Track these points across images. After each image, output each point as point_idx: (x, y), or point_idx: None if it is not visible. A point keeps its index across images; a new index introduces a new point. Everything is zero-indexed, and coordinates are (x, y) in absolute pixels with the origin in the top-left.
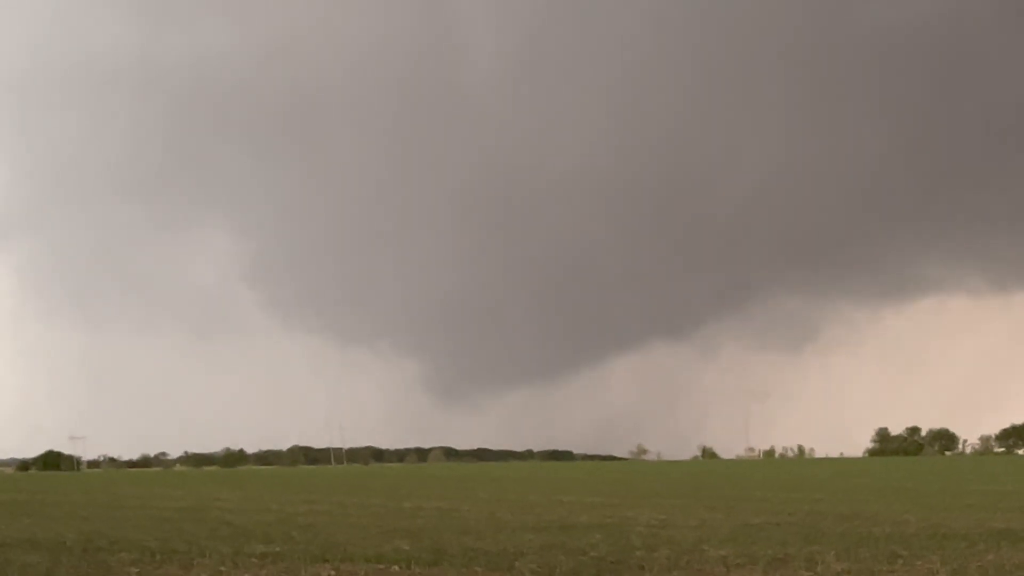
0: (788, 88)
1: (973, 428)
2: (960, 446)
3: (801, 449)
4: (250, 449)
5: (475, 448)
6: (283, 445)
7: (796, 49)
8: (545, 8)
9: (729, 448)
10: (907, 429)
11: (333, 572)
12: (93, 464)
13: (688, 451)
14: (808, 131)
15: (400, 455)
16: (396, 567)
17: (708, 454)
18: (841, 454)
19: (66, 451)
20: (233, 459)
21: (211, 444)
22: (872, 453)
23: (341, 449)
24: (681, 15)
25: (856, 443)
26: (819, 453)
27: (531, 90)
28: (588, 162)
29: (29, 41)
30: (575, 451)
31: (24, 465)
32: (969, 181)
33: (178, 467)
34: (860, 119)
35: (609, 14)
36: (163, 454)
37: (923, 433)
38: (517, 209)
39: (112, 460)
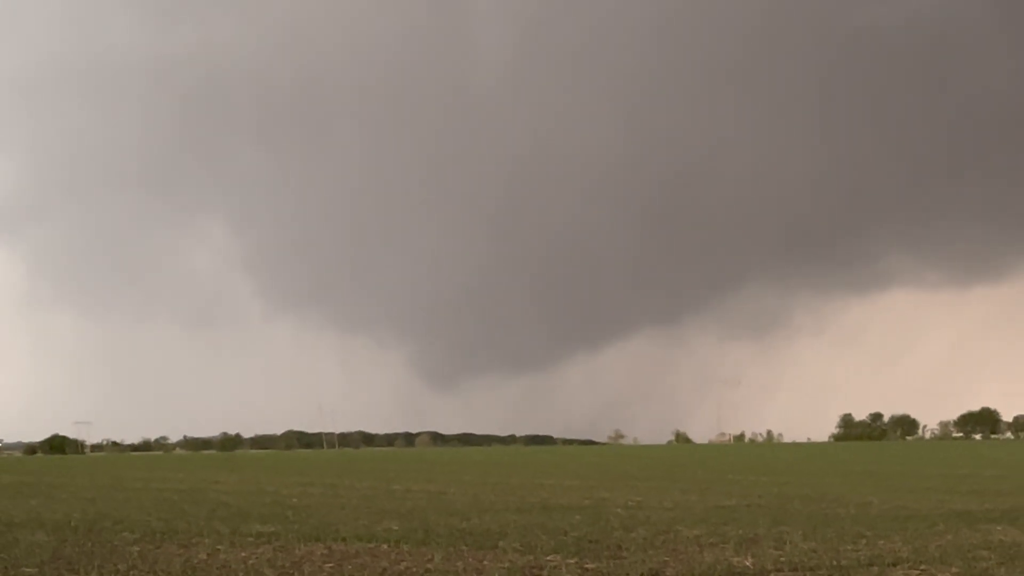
0: (771, 94)
1: (933, 415)
2: (920, 432)
3: (770, 434)
4: (246, 434)
5: (460, 433)
6: (278, 430)
7: (778, 55)
8: (549, 12)
9: (702, 433)
10: (870, 415)
11: (326, 551)
12: (97, 448)
13: (663, 436)
14: (788, 136)
15: (389, 440)
16: (386, 546)
17: (682, 439)
18: (808, 439)
19: (71, 435)
20: (230, 443)
21: (209, 429)
22: (837, 438)
23: (333, 434)
24: (676, 23)
25: (822, 429)
26: (787, 438)
27: (534, 90)
28: (586, 159)
29: (43, 38)
30: (555, 436)
31: (31, 449)
32: (932, 184)
33: (178, 451)
34: (837, 125)
35: (609, 22)
36: (164, 438)
37: (885, 419)
38: (509, 207)
39: (115, 444)
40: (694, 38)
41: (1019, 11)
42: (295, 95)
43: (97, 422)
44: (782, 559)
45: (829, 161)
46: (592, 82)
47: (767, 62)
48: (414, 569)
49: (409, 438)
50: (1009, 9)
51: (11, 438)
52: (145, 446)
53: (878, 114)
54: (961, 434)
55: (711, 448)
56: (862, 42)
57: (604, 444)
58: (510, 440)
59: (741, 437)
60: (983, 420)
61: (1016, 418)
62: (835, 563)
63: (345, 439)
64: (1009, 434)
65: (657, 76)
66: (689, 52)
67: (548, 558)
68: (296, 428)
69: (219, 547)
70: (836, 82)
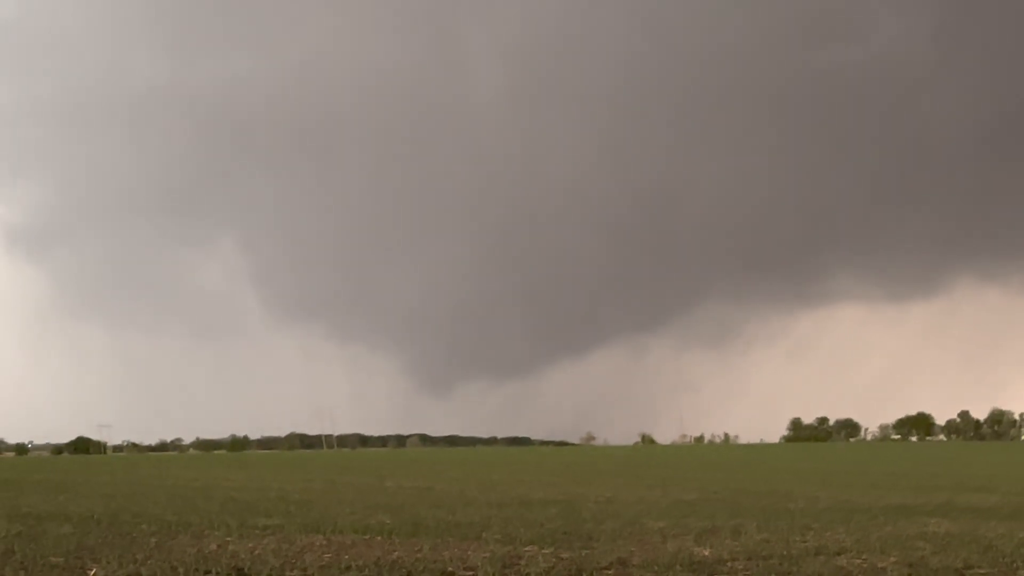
0: (735, 125)
1: (874, 418)
2: (863, 434)
3: (727, 436)
4: (253, 436)
5: (447, 435)
6: (282, 432)
7: (746, 90)
8: (535, 47)
9: (666, 435)
10: (817, 419)
11: (325, 542)
12: (118, 449)
13: (630, 438)
14: (750, 165)
15: (383, 441)
16: (379, 537)
17: (647, 440)
18: (761, 440)
19: (94, 437)
20: (238, 444)
21: (219, 431)
22: (787, 439)
23: (332, 436)
24: (649, 57)
25: (774, 431)
26: (742, 439)
27: (524, 119)
28: (569, 184)
29: (74, 72)
30: (533, 437)
31: (58, 449)
32: (877, 212)
33: (191, 451)
34: (794, 155)
35: (588, 56)
36: (178, 440)
37: (831, 422)
38: (497, 228)
39: (134, 445)
40: (666, 72)
41: (964, 53)
42: (303, 125)
43: (118, 425)
44: (738, 549)
45: (786, 188)
46: (577, 115)
47: (735, 96)
48: (405, 558)
49: (401, 439)
50: (955, 51)
51: (40, 440)
52: (161, 447)
53: (832, 147)
54: (899, 436)
55: (674, 448)
56: (822, 78)
57: (577, 445)
58: (492, 441)
59: (701, 438)
60: (919, 423)
61: (948, 421)
62: (786, 552)
63: (343, 440)
64: (942, 436)
65: (634, 109)
66: (661, 85)
67: (526, 548)
68: (298, 431)
69: (228, 538)
70: (796, 115)
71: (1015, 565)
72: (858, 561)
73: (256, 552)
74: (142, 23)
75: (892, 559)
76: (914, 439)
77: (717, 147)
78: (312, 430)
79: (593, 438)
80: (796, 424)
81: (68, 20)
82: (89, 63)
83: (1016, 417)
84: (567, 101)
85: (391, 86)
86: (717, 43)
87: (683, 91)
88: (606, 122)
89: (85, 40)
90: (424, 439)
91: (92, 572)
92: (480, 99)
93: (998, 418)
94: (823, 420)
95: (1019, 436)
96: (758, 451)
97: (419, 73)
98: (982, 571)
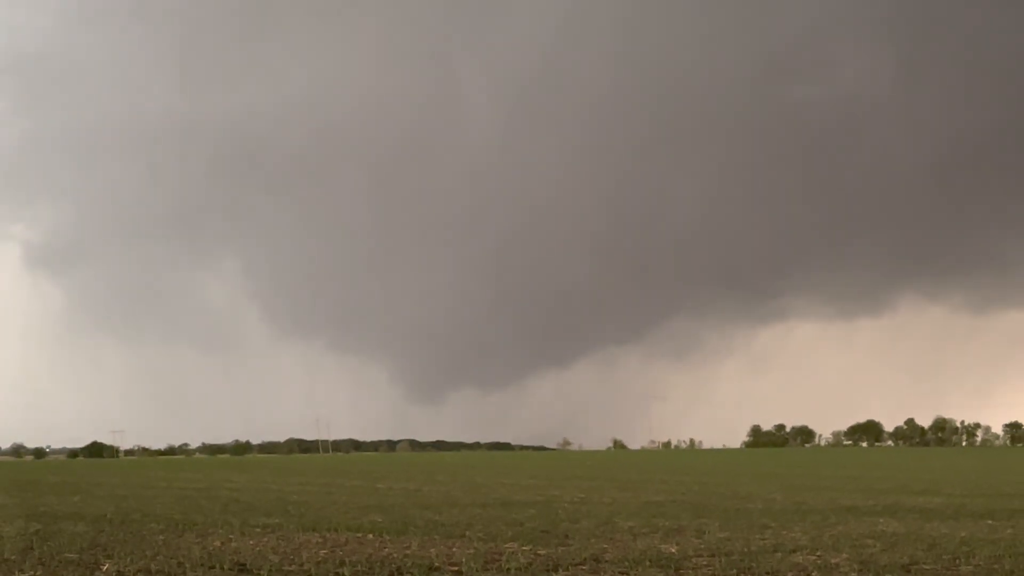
0: (706, 156)
1: (827, 425)
2: (817, 440)
3: (692, 441)
4: (255, 441)
5: (435, 440)
6: (281, 438)
7: (719, 124)
8: (532, 76)
9: (636, 441)
10: (775, 426)
11: (321, 540)
12: (129, 453)
13: (603, 443)
14: (721, 195)
15: (375, 446)
16: (371, 535)
17: (619, 445)
18: (723, 446)
19: (108, 442)
20: (241, 449)
21: (224, 437)
22: (748, 445)
23: (327, 441)
24: (636, 93)
25: (735, 437)
26: (706, 445)
27: (515, 148)
28: (553, 210)
29: (92, 101)
30: (513, 443)
31: (73, 453)
32: (831, 239)
33: (197, 455)
34: (757, 185)
35: (582, 88)
36: (185, 444)
37: (788, 429)
38: (486, 248)
39: (145, 450)
40: (646, 104)
41: (920, 90)
42: (308, 153)
43: (129, 431)
44: (702, 546)
45: (752, 215)
46: (561, 141)
47: (708, 128)
48: (395, 555)
49: (391, 445)
50: (913, 89)
51: (57, 444)
52: (169, 451)
53: (793, 176)
54: (850, 442)
55: (643, 453)
56: (789, 113)
57: (554, 450)
58: (476, 446)
59: (668, 444)
60: (868, 430)
61: (896, 429)
62: (746, 549)
63: (337, 446)
64: (890, 442)
65: (615, 137)
66: (641, 116)
67: (507, 545)
68: (296, 436)
69: (231, 536)
70: (762, 147)
71: (957, 561)
72: (812, 558)
73: (257, 549)
74: (155, 57)
75: (844, 556)
76: (864, 445)
77: (690, 175)
78: (309, 436)
79: (569, 443)
80: (756, 431)
81: (86, 54)
82: (106, 94)
83: (958, 425)
84: (553, 128)
85: (384, 113)
86: (692, 78)
87: (661, 121)
88: (589, 149)
89: (102, 73)
90: (413, 444)
91: (105, 568)
92: (471, 125)
93: (941, 425)
94: (780, 427)
95: (961, 442)
96: (720, 456)
97: (412, 101)
98: (927, 567)
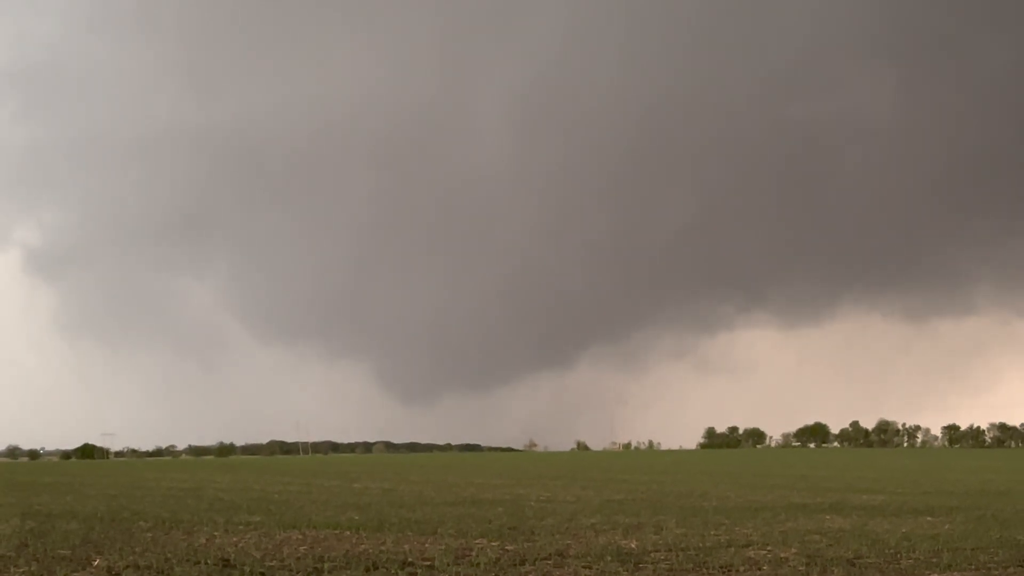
0: (683, 181)
1: (777, 428)
2: (768, 441)
3: (651, 443)
4: (238, 443)
5: (408, 442)
6: (263, 440)
7: (703, 152)
8: (538, 89)
9: (597, 442)
10: (729, 428)
11: (301, 536)
12: (119, 454)
13: (567, 445)
14: (692, 222)
15: (352, 447)
16: (348, 532)
17: (582, 447)
18: (680, 447)
19: (99, 444)
20: (225, 450)
21: (209, 439)
22: (703, 446)
23: (307, 443)
24: (629, 113)
25: (691, 438)
26: (664, 446)
27: (512, 162)
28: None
29: (98, 110)
30: (482, 444)
31: (66, 455)
32: (782, 258)
33: (183, 457)
34: (735, 213)
35: (582, 104)
36: (172, 446)
37: (740, 431)
38: (467, 257)
39: (134, 451)
40: (637, 123)
41: (909, 112)
42: (309, 161)
43: (119, 433)
44: (660, 542)
45: (713, 236)
46: (558, 150)
47: (691, 154)
48: (371, 550)
49: (367, 446)
50: (902, 111)
51: (51, 446)
52: (157, 453)
53: (747, 200)
54: (799, 443)
55: (605, 454)
56: (761, 143)
57: (521, 451)
58: (447, 448)
59: (628, 445)
60: (816, 432)
61: (841, 431)
62: (701, 545)
63: (316, 447)
64: (836, 443)
65: (608, 154)
66: (633, 133)
67: (476, 541)
68: (278, 438)
69: (216, 533)
70: (717, 175)
71: (898, 555)
72: (764, 552)
73: (240, 545)
74: (155, 69)
75: (793, 550)
76: (812, 446)
77: (672, 194)
78: (290, 438)
79: (535, 445)
80: (710, 432)
81: (92, 64)
82: (108, 103)
83: (900, 427)
84: (547, 138)
85: (387, 118)
86: (684, 100)
87: (652, 140)
88: (579, 164)
89: (105, 82)
90: (388, 446)
91: (96, 563)
92: (478, 143)
93: (884, 427)
94: (734, 429)
95: (903, 443)
96: (677, 456)
97: (416, 108)
98: (870, 560)
